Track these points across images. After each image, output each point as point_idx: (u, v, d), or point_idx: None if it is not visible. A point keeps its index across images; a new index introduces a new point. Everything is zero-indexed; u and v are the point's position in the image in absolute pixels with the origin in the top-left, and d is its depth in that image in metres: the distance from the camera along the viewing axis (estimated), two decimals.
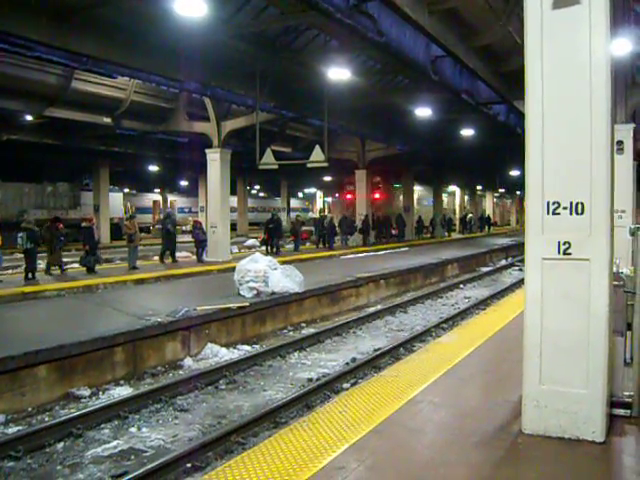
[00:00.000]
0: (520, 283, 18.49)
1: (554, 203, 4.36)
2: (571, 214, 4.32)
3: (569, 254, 4.33)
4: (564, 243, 4.34)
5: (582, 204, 4.28)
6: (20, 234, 15.00)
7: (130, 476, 5.38)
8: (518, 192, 66.23)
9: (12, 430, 6.88)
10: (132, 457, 6.15)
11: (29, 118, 21.71)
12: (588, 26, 4.23)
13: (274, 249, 23.60)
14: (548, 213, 4.38)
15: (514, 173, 41.35)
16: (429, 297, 16.58)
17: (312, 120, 21.54)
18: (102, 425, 7.00)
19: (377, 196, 36.29)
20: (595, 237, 4.24)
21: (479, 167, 39.80)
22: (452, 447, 4.43)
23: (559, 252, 4.35)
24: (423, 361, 6.91)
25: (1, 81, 17.40)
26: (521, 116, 20.83)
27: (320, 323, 13.02)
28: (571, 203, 4.32)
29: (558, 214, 4.35)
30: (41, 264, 16.16)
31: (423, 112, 20.25)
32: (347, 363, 9.61)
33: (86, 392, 8.15)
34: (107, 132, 24.20)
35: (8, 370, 7.46)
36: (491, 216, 55.19)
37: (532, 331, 4.48)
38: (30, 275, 14.97)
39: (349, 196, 35.19)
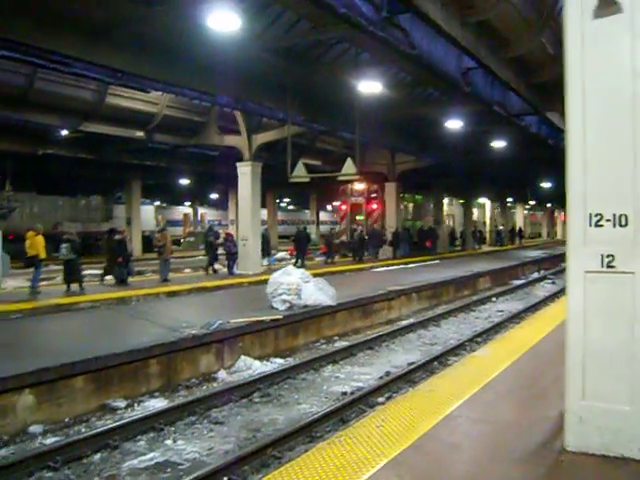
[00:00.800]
0: (554, 297, 18.30)
1: (597, 215, 4.27)
2: (614, 226, 4.22)
3: (613, 267, 4.23)
4: (607, 256, 4.24)
5: (625, 216, 4.18)
6: (64, 245, 15.37)
7: None
8: (549, 204, 65.60)
9: (50, 441, 6.95)
10: (168, 470, 6.15)
11: (64, 133, 22.15)
12: (630, 34, 4.15)
13: (299, 262, 23.28)
14: (590, 225, 4.29)
15: (545, 185, 40.99)
16: (462, 310, 16.41)
17: (342, 133, 21.60)
18: (138, 437, 7.03)
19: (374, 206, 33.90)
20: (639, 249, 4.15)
21: (510, 179, 39.45)
22: (492, 463, 4.34)
23: (602, 265, 4.25)
24: (459, 375, 6.83)
25: (39, 97, 17.86)
26: (552, 127, 20.69)
27: (352, 336, 12.95)
28: (614, 215, 4.22)
29: (601, 226, 4.26)
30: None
31: (454, 124, 20.19)
32: (381, 377, 9.53)
33: (122, 404, 8.20)
34: (139, 146, 24.59)
35: (45, 381, 7.54)
36: (522, 228, 54.69)
37: (574, 346, 4.37)
38: (71, 286, 15.32)
39: (343, 207, 34.58)
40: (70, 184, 32.41)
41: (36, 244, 14.42)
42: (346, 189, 33.10)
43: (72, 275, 15.50)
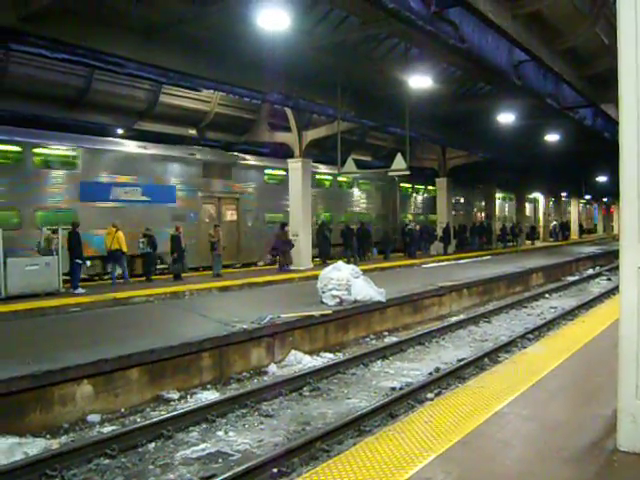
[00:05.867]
0: (609, 293, 17.86)
1: None
2: None
3: None
4: None
5: None
6: (142, 239, 16.44)
7: (218, 479, 5.51)
8: (605, 199, 63.98)
9: (107, 429, 7.17)
10: (220, 460, 6.28)
11: (119, 132, 22.63)
12: None
13: (352, 258, 23.03)
14: None
15: (601, 179, 40.00)
16: (513, 307, 16.19)
17: (392, 128, 21.51)
18: (191, 428, 7.18)
19: None
20: None
21: (564, 173, 38.56)
22: (542, 462, 4.28)
23: None
24: (509, 372, 6.76)
25: (95, 98, 18.37)
26: (608, 120, 20.17)
27: (402, 332, 12.93)
28: None
29: None
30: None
31: (506, 118, 19.89)
32: (430, 373, 9.49)
33: (175, 395, 8.39)
34: (192, 144, 24.90)
35: (103, 372, 7.78)
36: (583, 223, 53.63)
37: (627, 343, 4.26)
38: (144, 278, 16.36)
39: None
40: None
41: (119, 239, 15.63)
42: None
43: (145, 267, 16.55)
